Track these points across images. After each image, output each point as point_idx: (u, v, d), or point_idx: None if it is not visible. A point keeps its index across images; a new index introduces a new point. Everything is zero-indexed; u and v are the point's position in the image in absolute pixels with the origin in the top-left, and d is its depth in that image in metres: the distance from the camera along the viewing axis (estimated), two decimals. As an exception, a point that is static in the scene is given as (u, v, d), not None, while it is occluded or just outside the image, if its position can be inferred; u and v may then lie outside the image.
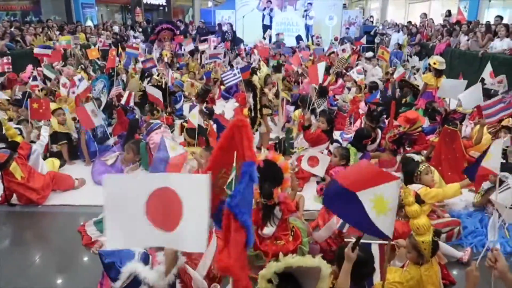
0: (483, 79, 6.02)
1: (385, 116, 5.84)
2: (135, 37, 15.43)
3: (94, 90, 7.35)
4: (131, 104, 6.58)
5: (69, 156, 5.27)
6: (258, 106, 5.12)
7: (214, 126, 5.46)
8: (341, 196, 1.82)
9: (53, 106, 5.37)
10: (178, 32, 14.48)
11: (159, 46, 13.26)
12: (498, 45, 9.11)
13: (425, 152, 5.10)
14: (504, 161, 4.38)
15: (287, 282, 1.65)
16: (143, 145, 3.60)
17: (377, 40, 14.92)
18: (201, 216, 1.51)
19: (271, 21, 17.92)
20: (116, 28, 16.12)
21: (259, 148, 5.30)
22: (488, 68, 6.02)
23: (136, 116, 6.40)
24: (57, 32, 12.80)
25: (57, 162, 4.92)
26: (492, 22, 10.52)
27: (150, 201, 1.54)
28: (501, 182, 2.85)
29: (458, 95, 5.17)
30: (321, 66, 5.46)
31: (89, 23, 17.16)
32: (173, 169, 3.26)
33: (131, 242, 1.64)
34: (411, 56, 11.74)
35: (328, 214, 3.08)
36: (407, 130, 4.82)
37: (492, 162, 2.33)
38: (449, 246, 3.22)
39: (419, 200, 2.88)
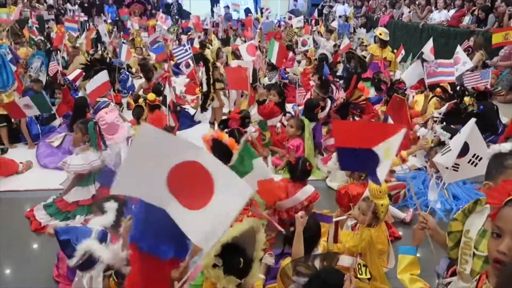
0: (422, 53, 6.26)
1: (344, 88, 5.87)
2: (74, 12, 14.39)
3: (31, 68, 6.85)
4: (77, 83, 6.23)
5: (9, 140, 4.94)
6: (211, 81, 5.05)
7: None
8: (357, 154, 1.81)
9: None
10: (149, 7, 13.85)
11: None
12: (437, 16, 9.57)
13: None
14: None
15: (233, 254, 1.69)
16: (92, 124, 3.44)
17: (325, 11, 15.09)
18: (225, 217, 1.35)
19: (219, -7, 17.49)
20: (50, 0, 14.95)
21: (212, 123, 5.26)
22: (430, 44, 6.15)
23: (80, 94, 6.07)
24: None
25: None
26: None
27: (176, 169, 1.39)
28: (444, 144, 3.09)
29: (420, 75, 5.35)
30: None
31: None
32: None
33: (143, 194, 1.47)
34: (357, 28, 12.00)
35: (294, 186, 3.16)
36: (350, 100, 4.89)
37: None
38: (395, 208, 3.46)
39: None
